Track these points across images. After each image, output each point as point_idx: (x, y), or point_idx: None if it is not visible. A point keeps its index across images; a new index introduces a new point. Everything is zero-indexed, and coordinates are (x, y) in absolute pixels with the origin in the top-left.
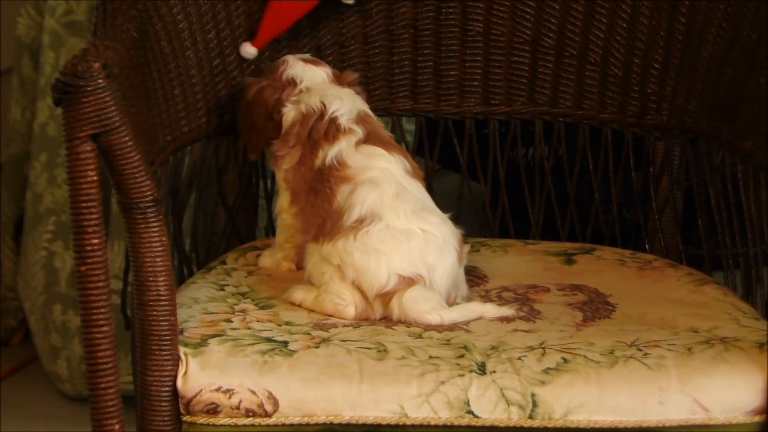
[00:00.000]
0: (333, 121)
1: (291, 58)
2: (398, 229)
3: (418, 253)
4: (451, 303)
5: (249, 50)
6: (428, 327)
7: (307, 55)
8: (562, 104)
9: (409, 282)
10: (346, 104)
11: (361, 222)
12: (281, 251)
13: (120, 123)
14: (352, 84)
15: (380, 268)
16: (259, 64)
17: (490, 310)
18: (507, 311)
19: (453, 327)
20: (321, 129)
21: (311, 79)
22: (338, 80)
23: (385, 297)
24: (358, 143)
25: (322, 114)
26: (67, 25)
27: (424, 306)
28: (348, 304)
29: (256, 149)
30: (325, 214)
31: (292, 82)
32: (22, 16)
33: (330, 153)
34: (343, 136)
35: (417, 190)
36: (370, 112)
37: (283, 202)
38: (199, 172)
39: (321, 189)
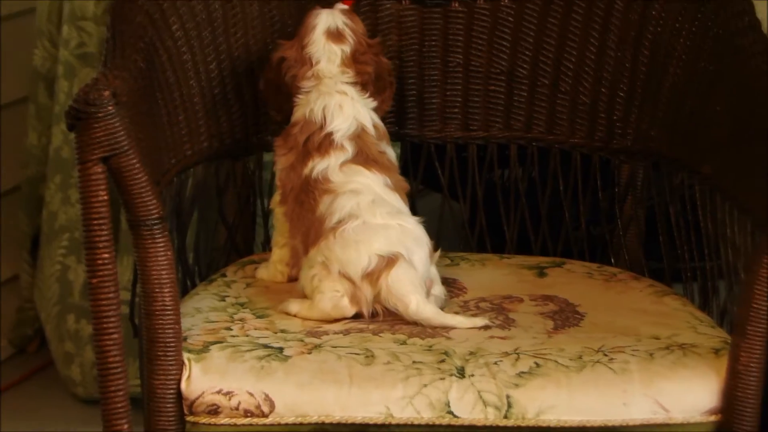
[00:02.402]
0: (328, 136)
1: (320, 25)
2: (375, 224)
3: (395, 237)
4: (427, 292)
5: (341, 7)
6: (407, 317)
7: (339, 20)
8: (536, 130)
9: (389, 261)
10: (346, 118)
11: (339, 223)
12: (277, 249)
13: (128, 146)
14: (375, 58)
15: (360, 254)
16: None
17: (463, 321)
18: (479, 322)
19: (434, 334)
20: (316, 141)
21: (326, 63)
22: (355, 58)
23: (371, 277)
24: (344, 163)
25: (321, 126)
26: (79, 57)
27: (408, 286)
28: (343, 295)
29: (281, 110)
30: (309, 223)
31: (309, 61)
32: (38, 48)
33: (318, 167)
34: (333, 152)
35: (395, 200)
36: (369, 122)
37: (276, 197)
38: (201, 192)
39: (306, 200)
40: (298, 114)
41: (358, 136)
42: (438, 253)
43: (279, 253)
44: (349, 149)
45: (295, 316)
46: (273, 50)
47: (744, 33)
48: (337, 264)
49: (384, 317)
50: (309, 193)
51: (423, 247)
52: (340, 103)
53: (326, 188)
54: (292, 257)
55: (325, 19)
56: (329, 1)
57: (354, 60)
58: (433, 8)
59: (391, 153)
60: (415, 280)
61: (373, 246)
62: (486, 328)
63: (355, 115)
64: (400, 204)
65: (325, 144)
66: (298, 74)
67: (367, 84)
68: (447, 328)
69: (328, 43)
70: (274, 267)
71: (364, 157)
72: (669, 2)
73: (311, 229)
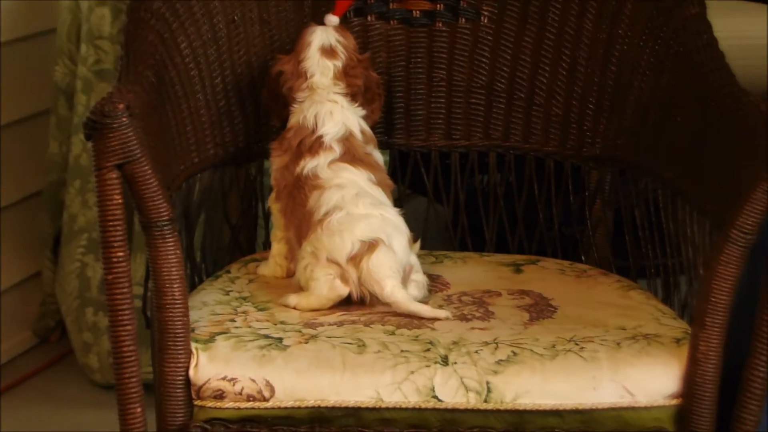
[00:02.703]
0: (319, 138)
1: (315, 42)
2: (357, 214)
3: (376, 225)
4: (406, 277)
5: (332, 19)
6: (382, 299)
7: (332, 37)
8: (513, 139)
9: (371, 246)
10: (336, 124)
11: (326, 216)
12: (276, 244)
13: (141, 154)
14: (364, 72)
15: (345, 240)
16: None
17: (428, 311)
18: (442, 314)
19: (421, 325)
20: (308, 143)
21: (320, 76)
22: (346, 72)
23: (355, 260)
24: (332, 162)
25: (313, 131)
26: (96, 73)
27: (386, 271)
28: (335, 276)
29: (279, 117)
30: (300, 216)
31: (304, 74)
32: (58, 65)
33: (308, 165)
34: (322, 152)
35: (378, 193)
36: (357, 127)
37: (272, 195)
38: (207, 196)
39: (298, 195)
40: (292, 120)
41: (347, 139)
42: (418, 243)
43: (277, 247)
44: (337, 150)
45: (294, 308)
46: (272, 64)
47: (702, 50)
48: (325, 252)
49: (373, 307)
50: (300, 189)
51: (402, 235)
52: (330, 110)
53: (315, 184)
54: (290, 250)
55: (319, 37)
56: (321, 14)
57: (345, 74)
58: (418, 28)
59: (377, 155)
60: (393, 265)
61: (356, 233)
62: (468, 319)
63: (344, 121)
64: (382, 197)
65: (315, 146)
66: (294, 86)
67: (356, 95)
68: (418, 316)
69: (321, 59)
70: (273, 261)
71: (350, 156)
72: (634, 23)
73: (303, 222)
